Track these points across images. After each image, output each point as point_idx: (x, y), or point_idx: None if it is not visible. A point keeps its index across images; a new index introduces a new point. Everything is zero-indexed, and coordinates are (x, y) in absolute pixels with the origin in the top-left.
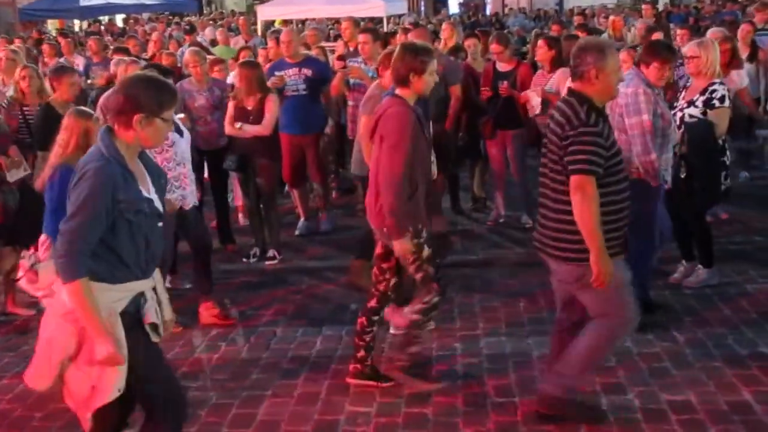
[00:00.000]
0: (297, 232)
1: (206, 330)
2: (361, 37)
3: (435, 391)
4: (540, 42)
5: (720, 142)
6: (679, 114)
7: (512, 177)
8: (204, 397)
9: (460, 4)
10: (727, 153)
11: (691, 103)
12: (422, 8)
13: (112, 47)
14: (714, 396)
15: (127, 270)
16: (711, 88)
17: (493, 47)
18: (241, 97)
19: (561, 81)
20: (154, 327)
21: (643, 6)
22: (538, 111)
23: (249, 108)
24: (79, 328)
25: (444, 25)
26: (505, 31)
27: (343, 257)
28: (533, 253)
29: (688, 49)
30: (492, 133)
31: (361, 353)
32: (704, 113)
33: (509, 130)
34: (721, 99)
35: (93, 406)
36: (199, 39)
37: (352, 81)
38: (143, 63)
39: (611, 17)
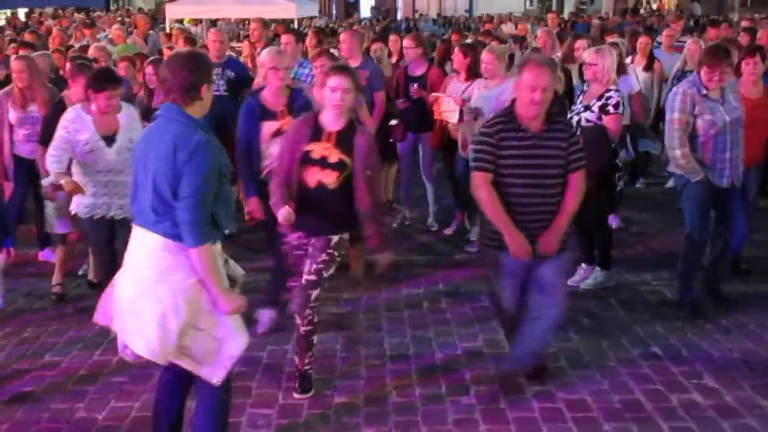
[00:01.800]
0: None
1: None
2: (284, 38)
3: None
4: (456, 50)
5: (612, 145)
6: (575, 118)
7: (422, 180)
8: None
9: (372, 8)
10: (620, 156)
11: (587, 108)
12: (334, 11)
13: (15, 42)
14: (608, 395)
15: (219, 231)
16: (607, 95)
17: (407, 43)
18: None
19: (474, 90)
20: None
21: (549, 15)
22: (455, 120)
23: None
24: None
25: (354, 28)
26: None
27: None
28: (439, 256)
29: (586, 56)
30: (403, 136)
31: None
32: (599, 118)
33: (421, 133)
34: (616, 105)
35: (231, 358)
36: (100, 36)
37: None
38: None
39: (519, 24)
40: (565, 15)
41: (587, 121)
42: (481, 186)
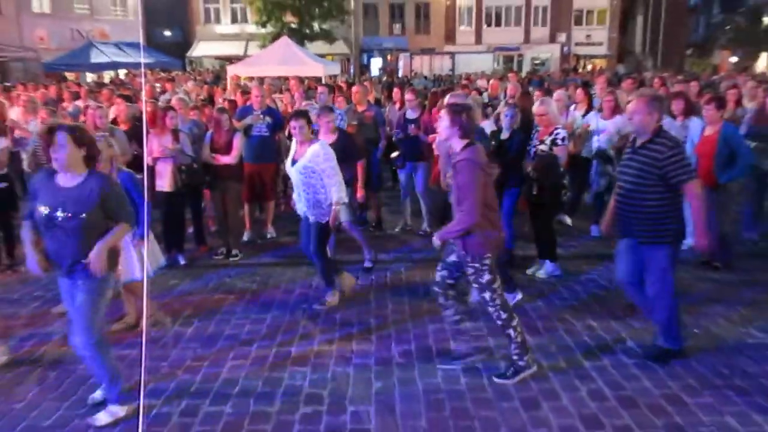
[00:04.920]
0: (244, 238)
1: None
2: (320, 89)
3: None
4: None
5: (561, 169)
6: (533, 149)
7: (418, 195)
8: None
9: (380, 69)
10: (566, 177)
11: (542, 142)
12: (351, 70)
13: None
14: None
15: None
16: (555, 131)
17: (408, 96)
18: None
19: None
20: None
21: (510, 74)
22: None
23: (221, 143)
24: None
25: (365, 82)
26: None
27: (290, 256)
28: (428, 253)
29: (536, 108)
30: (402, 164)
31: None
32: (550, 149)
33: (416, 162)
34: (563, 139)
35: None
36: (178, 90)
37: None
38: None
39: (491, 81)
40: (523, 73)
41: (542, 151)
42: None
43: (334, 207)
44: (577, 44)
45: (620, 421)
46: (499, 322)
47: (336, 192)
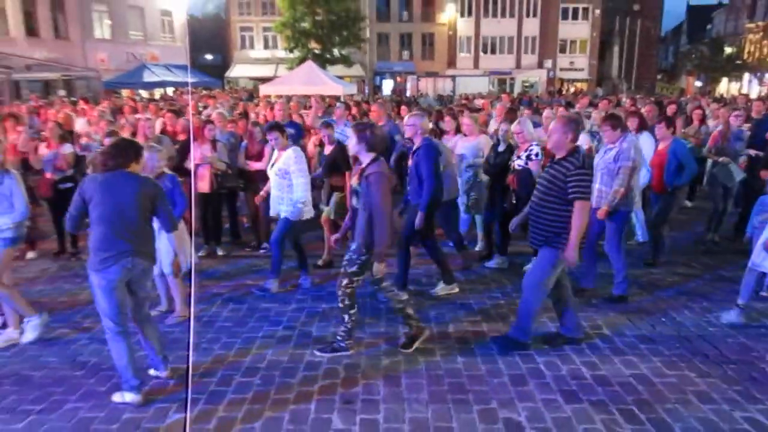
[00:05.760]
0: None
1: (220, 287)
2: (338, 105)
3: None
4: (446, 117)
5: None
6: (513, 164)
7: None
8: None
9: (391, 90)
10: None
11: (519, 158)
12: (366, 90)
13: (164, 109)
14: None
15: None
16: (530, 148)
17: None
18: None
19: (458, 143)
20: None
21: (503, 95)
22: None
23: (254, 151)
24: None
25: (380, 101)
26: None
27: (312, 249)
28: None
29: (513, 127)
30: None
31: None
32: (526, 163)
33: None
34: (537, 155)
35: None
36: (218, 105)
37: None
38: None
39: (482, 101)
40: (515, 94)
41: (519, 165)
42: None
43: (297, 205)
44: (561, 69)
45: (595, 397)
46: (340, 305)
47: (300, 191)
